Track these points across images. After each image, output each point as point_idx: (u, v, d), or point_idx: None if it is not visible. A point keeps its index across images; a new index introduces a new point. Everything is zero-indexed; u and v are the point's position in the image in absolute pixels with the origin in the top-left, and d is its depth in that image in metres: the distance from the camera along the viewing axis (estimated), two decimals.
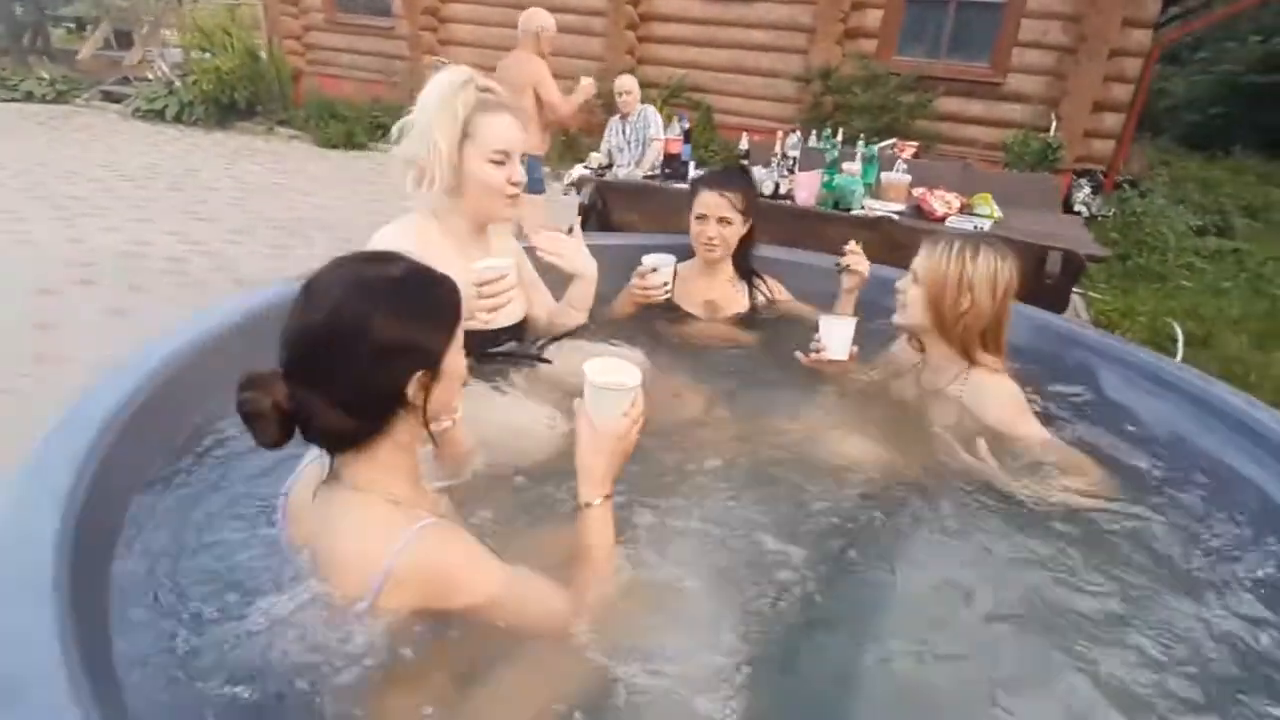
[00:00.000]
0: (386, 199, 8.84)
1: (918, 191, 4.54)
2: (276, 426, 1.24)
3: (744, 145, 5.31)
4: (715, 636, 1.49)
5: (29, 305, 5.06)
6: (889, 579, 1.76)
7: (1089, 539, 1.87)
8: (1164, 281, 7.31)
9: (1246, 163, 14.78)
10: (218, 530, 1.58)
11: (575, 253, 2.40)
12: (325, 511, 1.33)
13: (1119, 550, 1.85)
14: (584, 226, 4.59)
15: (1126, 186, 9.64)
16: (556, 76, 5.67)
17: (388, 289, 1.30)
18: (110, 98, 14.05)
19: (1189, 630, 1.64)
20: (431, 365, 1.33)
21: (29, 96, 13.90)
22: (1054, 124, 8.95)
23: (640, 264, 2.80)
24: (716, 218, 2.85)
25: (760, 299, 3.05)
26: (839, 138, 5.17)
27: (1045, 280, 3.63)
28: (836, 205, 4.36)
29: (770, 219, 3.84)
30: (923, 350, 2.44)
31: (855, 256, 2.79)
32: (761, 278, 3.07)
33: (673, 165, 5.02)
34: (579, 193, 5.01)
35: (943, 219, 4.30)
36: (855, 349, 2.48)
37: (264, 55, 13.18)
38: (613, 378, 1.50)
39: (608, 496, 1.51)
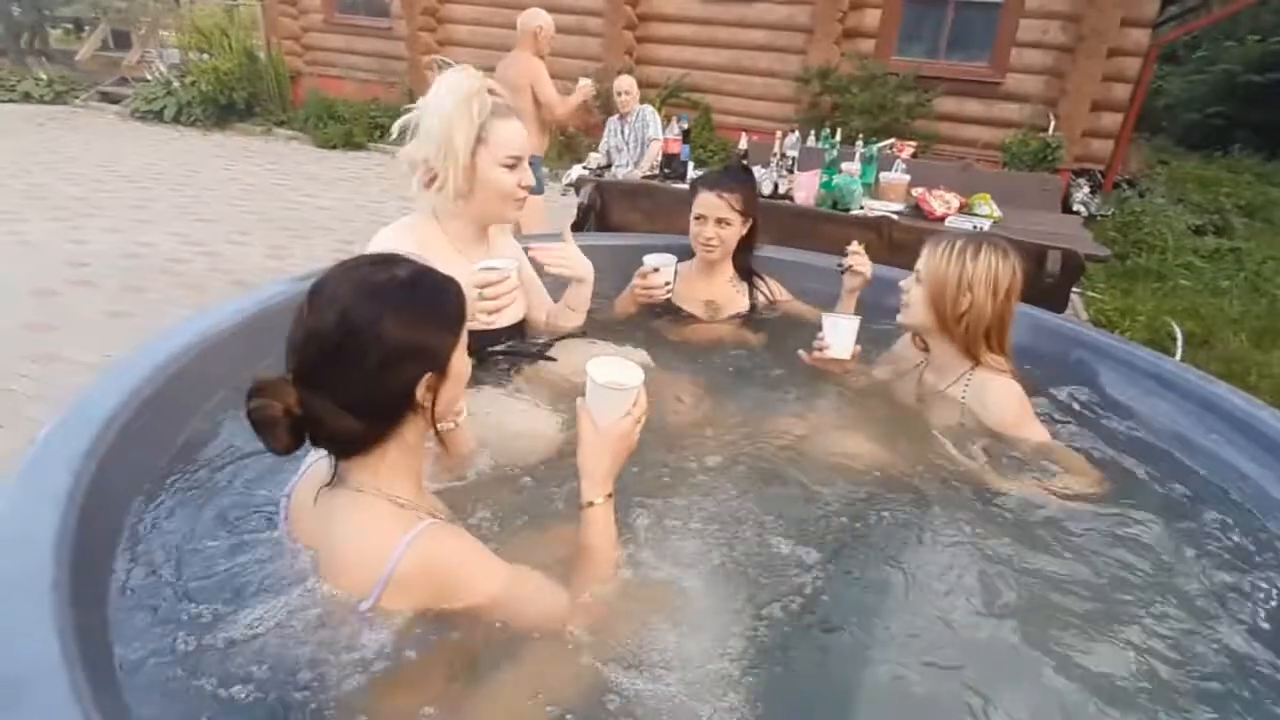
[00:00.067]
0: (385, 199, 8.86)
1: (917, 191, 4.54)
2: (288, 432, 1.24)
3: (743, 145, 5.31)
4: (716, 636, 1.49)
5: (27, 306, 5.06)
6: (889, 579, 1.76)
7: (1089, 540, 1.87)
8: (1163, 281, 7.31)
9: (1245, 162, 14.77)
10: (218, 531, 1.58)
11: (575, 258, 2.40)
12: (328, 514, 1.33)
13: (1118, 551, 1.84)
14: (583, 227, 4.64)
15: (1125, 186, 9.65)
16: (555, 77, 5.67)
17: (396, 293, 1.30)
18: (108, 98, 14.05)
19: (1189, 631, 1.63)
20: (439, 367, 1.34)
21: (27, 97, 13.92)
22: (1052, 123, 8.96)
23: (642, 264, 2.80)
24: (715, 218, 2.85)
25: (760, 299, 3.05)
26: (837, 138, 5.17)
27: (1045, 280, 3.63)
28: (835, 205, 4.36)
29: (769, 219, 3.84)
30: (927, 350, 2.44)
31: (858, 257, 2.79)
32: (762, 278, 3.07)
33: (671, 165, 5.02)
34: (578, 193, 5.01)
35: (942, 219, 4.30)
36: (858, 348, 2.48)
37: (262, 56, 13.19)
38: (615, 377, 1.50)
39: (609, 495, 1.51)
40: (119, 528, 1.52)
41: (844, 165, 4.63)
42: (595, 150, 6.54)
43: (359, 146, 11.93)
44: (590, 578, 1.47)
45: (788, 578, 1.70)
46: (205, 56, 13.22)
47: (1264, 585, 1.77)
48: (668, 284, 2.80)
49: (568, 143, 10.67)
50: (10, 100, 13.77)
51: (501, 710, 1.32)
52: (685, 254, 2.96)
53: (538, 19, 5.51)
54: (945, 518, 1.94)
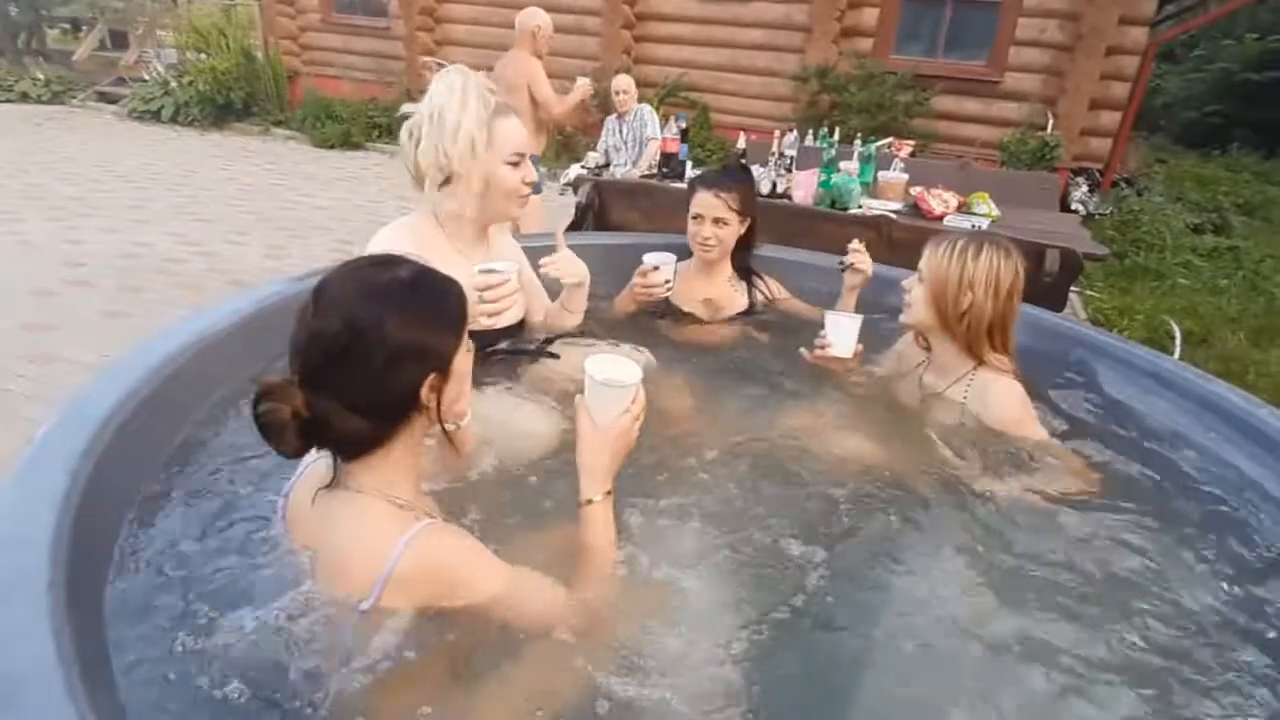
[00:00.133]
0: (383, 199, 8.85)
1: (915, 190, 4.53)
2: (297, 435, 1.24)
3: (741, 144, 5.30)
4: (716, 635, 1.49)
5: (25, 306, 5.05)
6: (888, 580, 1.76)
7: (1088, 541, 1.87)
8: (1161, 280, 7.31)
9: (1243, 160, 14.77)
10: (216, 532, 1.57)
11: (573, 263, 2.40)
12: (326, 515, 1.33)
13: (1117, 551, 1.85)
14: (581, 226, 4.63)
15: (1123, 185, 9.66)
16: (553, 76, 5.67)
17: (399, 294, 1.31)
18: (106, 98, 14.03)
19: (1188, 630, 1.64)
20: (442, 367, 1.34)
21: (24, 97, 13.90)
22: (1051, 122, 8.96)
23: (642, 263, 2.80)
24: (712, 218, 2.85)
25: (759, 298, 3.05)
26: (836, 137, 5.17)
27: (1043, 279, 3.62)
28: (834, 204, 4.36)
29: (767, 218, 3.84)
30: (929, 349, 2.44)
31: (859, 255, 2.79)
32: (761, 277, 3.07)
33: (670, 164, 5.01)
34: (575, 192, 5.01)
35: (940, 217, 4.30)
36: (860, 347, 2.48)
37: (260, 56, 13.19)
38: (613, 374, 1.50)
39: (609, 493, 1.51)
40: (116, 528, 1.52)
41: (842, 164, 4.62)
42: (593, 150, 6.55)
43: (357, 146, 11.93)
44: (590, 576, 1.47)
45: (787, 577, 1.70)
46: (203, 56, 13.21)
47: (1262, 585, 1.76)
48: (668, 282, 2.80)
49: (565, 142, 10.67)
50: (7, 100, 13.75)
51: (501, 710, 1.32)
52: (684, 253, 2.96)
53: (536, 18, 5.51)
54: (945, 518, 1.94)
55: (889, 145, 5.87)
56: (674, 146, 5.03)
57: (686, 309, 2.99)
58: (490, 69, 5.47)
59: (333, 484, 1.34)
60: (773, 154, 4.84)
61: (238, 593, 1.38)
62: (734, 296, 3.01)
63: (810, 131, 6.01)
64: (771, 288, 3.08)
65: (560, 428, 2.02)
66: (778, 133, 5.06)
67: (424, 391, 1.32)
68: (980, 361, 2.29)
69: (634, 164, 6.02)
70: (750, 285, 3.04)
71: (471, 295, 1.88)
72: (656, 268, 2.77)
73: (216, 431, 1.91)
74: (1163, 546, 1.86)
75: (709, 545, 1.74)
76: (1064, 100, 9.01)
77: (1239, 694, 1.50)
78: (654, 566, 1.61)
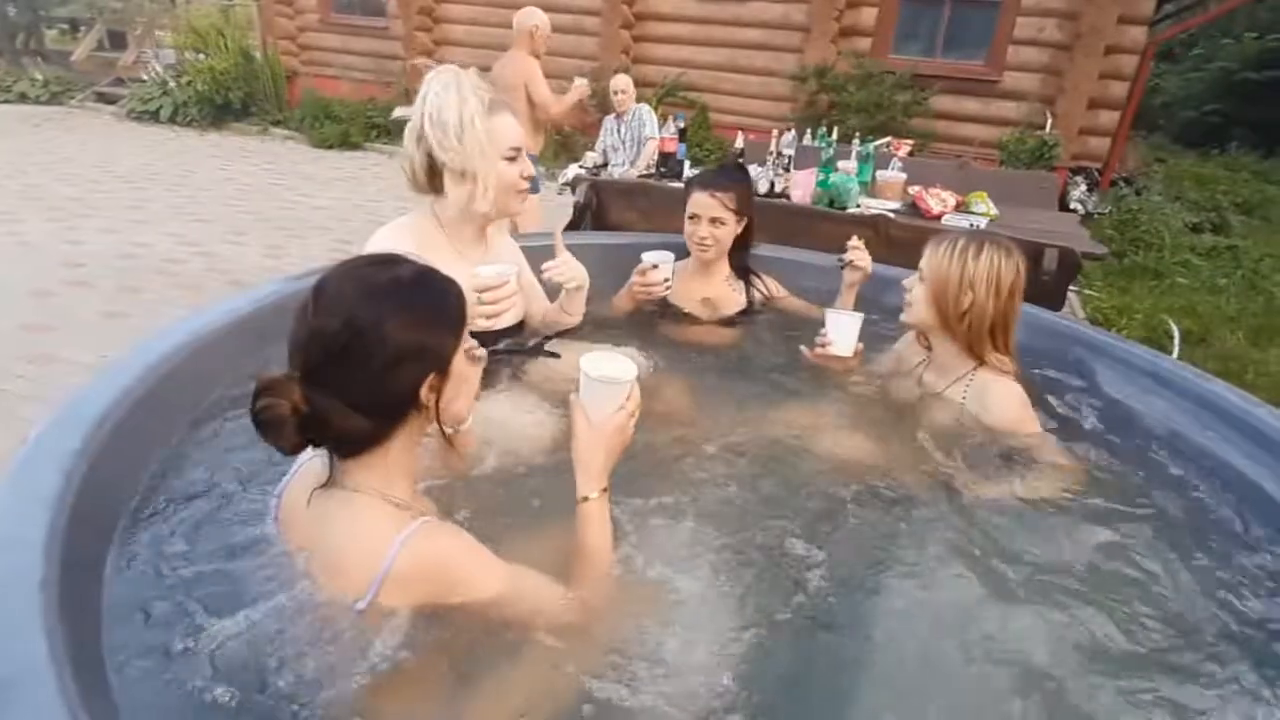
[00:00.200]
0: (382, 199, 8.85)
1: (913, 189, 4.54)
2: (296, 431, 1.24)
3: (739, 144, 5.31)
4: (715, 633, 1.49)
5: (23, 307, 5.05)
6: (886, 580, 1.75)
7: (1084, 540, 1.86)
8: (1160, 279, 7.32)
9: (1242, 160, 14.79)
10: (211, 532, 1.57)
11: (569, 266, 2.40)
12: (323, 515, 1.33)
13: (1114, 551, 1.84)
14: (579, 226, 4.63)
15: (1122, 184, 9.66)
16: (551, 76, 5.67)
17: (400, 293, 1.31)
18: (104, 99, 14.03)
19: (1187, 629, 1.63)
20: (441, 367, 1.35)
21: (23, 98, 13.90)
22: (1049, 121, 8.96)
23: (640, 261, 2.80)
24: (708, 218, 2.84)
25: (757, 297, 3.04)
26: (834, 136, 5.17)
27: (1042, 278, 3.62)
28: (832, 203, 4.36)
29: (766, 217, 3.84)
30: (930, 349, 2.43)
31: (858, 252, 2.79)
32: (759, 276, 3.07)
33: (668, 164, 5.02)
34: (574, 192, 5.01)
35: (938, 217, 4.30)
36: (860, 346, 2.48)
37: (258, 56, 13.20)
38: (608, 371, 1.51)
39: (605, 490, 1.51)
40: (111, 528, 1.51)
41: (840, 164, 4.63)
42: (592, 149, 6.55)
43: (355, 146, 11.92)
44: (587, 574, 1.47)
45: (785, 577, 1.70)
46: (201, 56, 13.21)
47: (1259, 585, 1.76)
48: (666, 281, 2.79)
49: (564, 142, 10.68)
50: (6, 101, 13.75)
51: (499, 708, 1.32)
52: (683, 252, 2.96)
53: (533, 18, 5.51)
54: (943, 519, 1.93)
55: (887, 145, 5.87)
56: (672, 146, 5.03)
57: (685, 309, 2.99)
58: (489, 69, 5.49)
59: (329, 483, 1.34)
60: (771, 153, 4.84)
61: (233, 593, 1.37)
62: (732, 296, 3.01)
63: (809, 131, 6.02)
64: (770, 286, 3.07)
65: (558, 427, 2.02)
66: (776, 132, 5.07)
67: (423, 391, 1.32)
68: (981, 361, 2.28)
69: (632, 164, 6.02)
70: (748, 284, 3.03)
71: (470, 296, 1.89)
72: (655, 266, 2.77)
73: (212, 431, 1.91)
74: (1161, 547, 1.86)
75: (707, 544, 1.73)
76: (1063, 99, 9.02)
77: (1235, 694, 1.49)
78: (652, 565, 1.61)
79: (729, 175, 2.97)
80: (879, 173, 4.85)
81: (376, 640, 1.26)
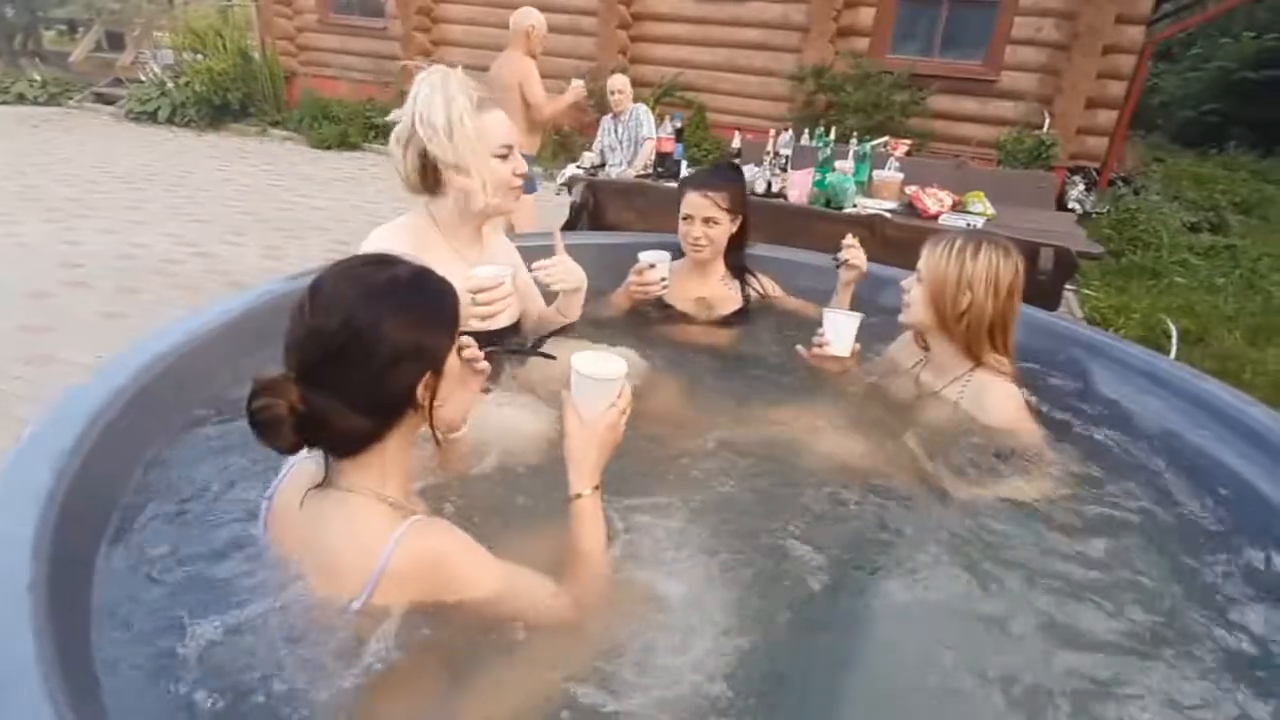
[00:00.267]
0: (380, 199, 8.85)
1: (910, 189, 4.55)
2: (294, 431, 1.24)
3: (736, 144, 5.31)
4: (708, 632, 1.49)
5: (22, 307, 5.05)
6: (882, 581, 1.75)
7: (1078, 541, 1.86)
8: (1158, 278, 7.31)
9: (1240, 159, 14.78)
10: (204, 533, 1.56)
11: (568, 270, 2.40)
12: (317, 516, 1.33)
13: (1108, 551, 1.84)
14: (575, 226, 4.64)
15: (1120, 183, 9.66)
16: (549, 76, 5.67)
17: (398, 293, 1.32)
18: (103, 99, 14.03)
19: (1179, 628, 1.63)
20: (437, 367, 1.35)
21: (21, 99, 13.89)
22: (1047, 121, 8.96)
23: (637, 261, 2.80)
24: (702, 218, 2.84)
25: (753, 296, 3.04)
26: (831, 136, 5.17)
27: (1038, 277, 3.62)
28: (829, 203, 4.37)
29: (762, 217, 3.84)
30: (927, 349, 2.43)
31: (853, 250, 2.79)
32: (754, 275, 3.06)
33: (665, 164, 5.02)
34: (570, 192, 5.02)
35: (935, 216, 4.31)
36: (857, 346, 2.47)
37: (257, 56, 13.19)
38: (599, 369, 1.51)
39: (597, 487, 1.52)
40: (103, 527, 1.51)
41: (837, 163, 4.64)
42: (589, 150, 6.55)
43: (354, 147, 11.93)
44: (581, 572, 1.48)
45: (780, 577, 1.70)
46: (199, 57, 13.19)
47: (1256, 580, 1.77)
48: (663, 280, 2.80)
49: (563, 142, 10.68)
50: (4, 102, 13.75)
51: (493, 706, 1.32)
52: (679, 252, 2.96)
53: (530, 18, 5.51)
54: (938, 519, 1.93)
55: (885, 144, 5.87)
56: (669, 146, 5.04)
57: (680, 308, 2.98)
58: (486, 69, 5.50)
59: (323, 484, 1.34)
60: (767, 153, 4.84)
61: (224, 594, 1.37)
62: (728, 295, 3.01)
63: (806, 131, 6.02)
64: (765, 286, 3.07)
65: (553, 427, 2.01)
66: (773, 132, 5.06)
67: (419, 390, 1.33)
68: (979, 362, 2.28)
69: (629, 164, 6.02)
70: (744, 284, 3.03)
71: (465, 298, 1.89)
72: (652, 266, 2.77)
73: (205, 433, 1.91)
74: (1155, 546, 1.86)
75: (702, 544, 1.73)
76: (1060, 99, 9.01)
77: (1227, 692, 1.49)
78: (646, 564, 1.62)
79: (722, 175, 2.98)
80: (876, 172, 4.86)
81: (372, 640, 1.26)
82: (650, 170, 5.25)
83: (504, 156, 2.17)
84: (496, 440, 1.92)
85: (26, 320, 4.85)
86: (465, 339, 1.49)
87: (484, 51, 9.61)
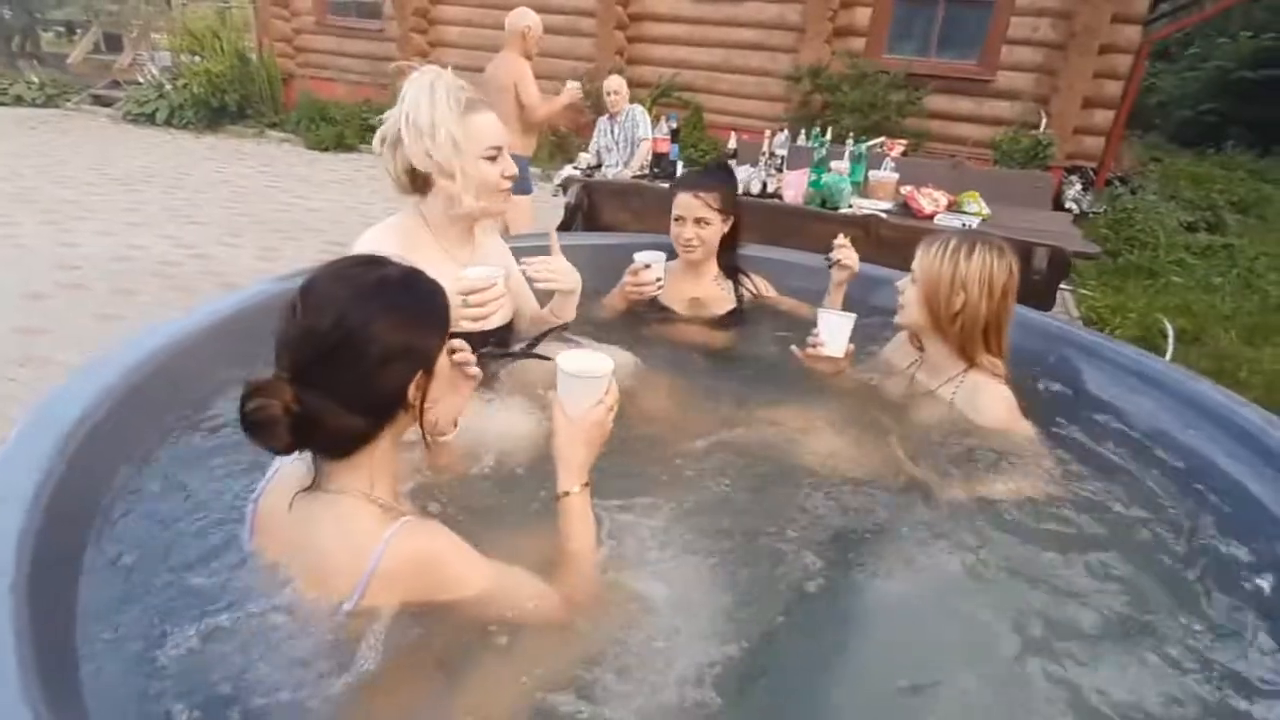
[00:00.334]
0: (376, 201, 8.85)
1: (906, 189, 4.55)
2: (289, 431, 1.24)
3: (732, 144, 5.31)
4: (699, 633, 1.49)
5: (18, 310, 5.05)
6: (873, 581, 1.75)
7: (1068, 541, 1.86)
8: (1155, 278, 7.31)
9: (1238, 158, 14.78)
10: (190, 535, 1.56)
11: (565, 272, 2.39)
12: (306, 519, 1.33)
13: (1098, 551, 1.84)
14: (570, 227, 4.64)
15: (1117, 183, 9.67)
16: (547, 77, 5.67)
17: (389, 294, 1.32)
18: (100, 101, 14.03)
19: (1169, 626, 1.63)
20: (428, 367, 1.36)
21: (18, 100, 13.89)
22: (1044, 121, 8.96)
23: (632, 261, 2.80)
24: (693, 219, 2.85)
25: (746, 296, 3.04)
26: (828, 136, 5.18)
27: (1032, 277, 3.63)
28: (824, 204, 4.37)
29: (758, 218, 3.84)
30: (923, 350, 2.43)
31: (844, 250, 2.79)
32: (747, 275, 3.07)
33: (661, 164, 5.03)
34: (565, 193, 5.02)
35: (931, 216, 4.31)
36: (851, 347, 2.46)
37: (254, 58, 13.18)
38: (585, 366, 1.53)
39: (586, 485, 1.53)
40: (88, 528, 1.51)
41: (833, 164, 4.64)
42: (586, 150, 6.55)
43: (351, 148, 11.92)
44: (571, 569, 1.48)
45: (771, 577, 1.70)
46: (197, 59, 13.18)
47: (1246, 581, 1.77)
48: (659, 280, 2.80)
49: (560, 143, 10.68)
50: (2, 104, 13.73)
51: (484, 706, 1.32)
52: (674, 252, 2.96)
53: (525, 19, 5.51)
54: (929, 519, 1.93)
55: (881, 145, 5.88)
56: (665, 147, 5.05)
57: (674, 309, 2.99)
58: (482, 70, 5.50)
59: (312, 486, 1.34)
60: (763, 154, 4.84)
61: (212, 598, 1.37)
62: (721, 296, 3.01)
63: (803, 131, 6.03)
64: (759, 286, 3.07)
65: (544, 427, 2.01)
66: (768, 133, 5.07)
67: (410, 391, 1.33)
68: (971, 363, 2.28)
69: (626, 164, 6.02)
70: (737, 284, 3.03)
71: (455, 299, 1.89)
72: (648, 266, 2.77)
73: (192, 434, 1.91)
74: (1145, 546, 1.87)
75: (694, 543, 1.73)
76: (1057, 99, 9.01)
77: (1215, 688, 1.50)
78: (638, 563, 1.62)
79: (712, 175, 2.98)
80: (871, 173, 4.87)
81: (363, 641, 1.26)
82: (647, 171, 5.26)
83: (492, 159, 2.16)
84: (487, 441, 1.92)
85: (22, 322, 4.84)
86: (457, 341, 1.50)
87: (480, 53, 9.62)
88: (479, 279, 2.08)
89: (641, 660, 1.40)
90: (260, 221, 7.73)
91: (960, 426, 2.24)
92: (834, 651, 1.59)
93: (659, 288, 2.82)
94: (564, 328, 2.49)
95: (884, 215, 4.23)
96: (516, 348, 2.35)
